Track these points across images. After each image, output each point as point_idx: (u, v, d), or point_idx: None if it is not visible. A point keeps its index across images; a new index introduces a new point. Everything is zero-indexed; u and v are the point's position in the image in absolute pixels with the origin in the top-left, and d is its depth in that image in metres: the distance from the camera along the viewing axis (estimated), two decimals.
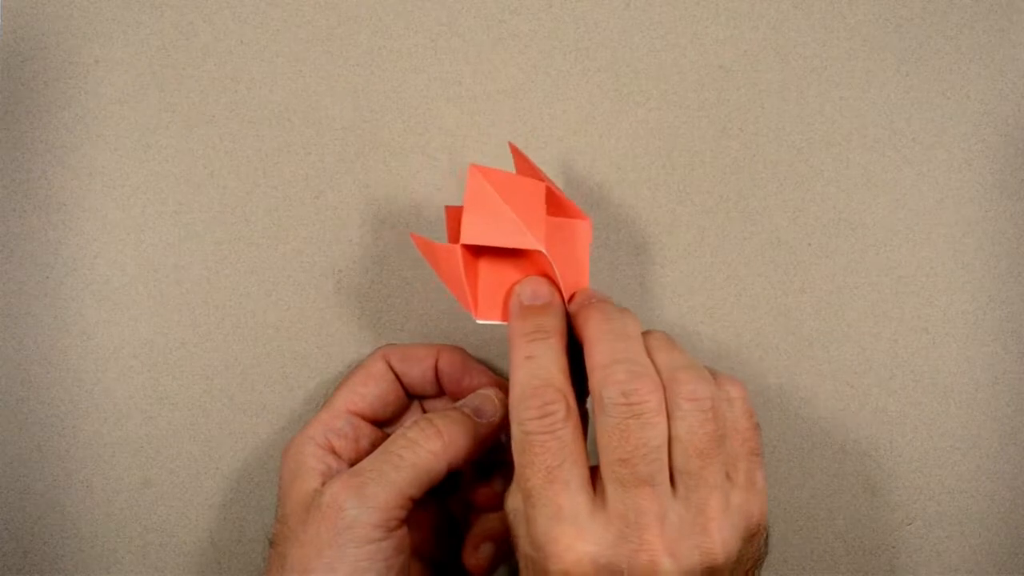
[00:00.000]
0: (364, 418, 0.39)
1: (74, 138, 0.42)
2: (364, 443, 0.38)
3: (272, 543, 0.36)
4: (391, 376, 0.39)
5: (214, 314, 0.42)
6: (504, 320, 0.36)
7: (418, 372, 0.39)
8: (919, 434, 0.43)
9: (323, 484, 0.35)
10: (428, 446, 0.35)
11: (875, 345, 0.43)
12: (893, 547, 0.43)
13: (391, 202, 0.43)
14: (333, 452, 0.37)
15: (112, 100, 0.42)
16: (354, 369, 0.40)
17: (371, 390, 0.39)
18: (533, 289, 0.36)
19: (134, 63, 0.42)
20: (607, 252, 0.43)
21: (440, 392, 0.40)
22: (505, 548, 0.38)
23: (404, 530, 0.35)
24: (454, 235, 0.37)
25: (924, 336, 0.43)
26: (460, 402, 0.38)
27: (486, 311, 0.36)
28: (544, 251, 0.35)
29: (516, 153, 0.37)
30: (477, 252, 0.36)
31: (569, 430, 0.32)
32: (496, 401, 0.37)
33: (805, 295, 0.43)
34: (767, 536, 0.34)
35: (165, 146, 0.42)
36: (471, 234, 0.35)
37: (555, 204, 0.37)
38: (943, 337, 0.43)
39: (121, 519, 0.42)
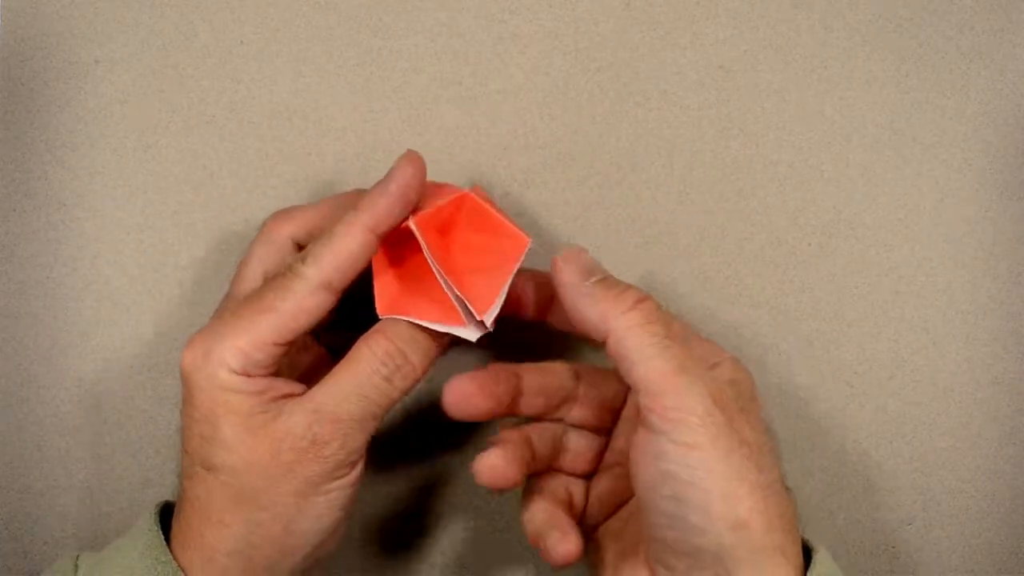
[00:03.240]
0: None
1: (74, 138, 0.42)
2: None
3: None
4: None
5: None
6: (405, 315, 0.36)
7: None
8: (919, 434, 0.43)
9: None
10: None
11: (875, 345, 0.43)
12: (893, 547, 0.43)
13: None
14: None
15: (112, 100, 0.42)
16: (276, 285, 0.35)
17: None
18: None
19: (134, 63, 0.42)
20: (607, 252, 0.43)
21: None
22: None
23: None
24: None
25: (924, 336, 0.43)
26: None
27: (386, 306, 0.36)
28: (415, 230, 0.35)
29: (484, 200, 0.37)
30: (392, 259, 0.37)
31: None
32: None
33: (805, 295, 0.43)
34: None
35: (165, 146, 0.42)
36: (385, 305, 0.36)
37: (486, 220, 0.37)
38: (943, 337, 0.43)
39: (121, 519, 0.42)
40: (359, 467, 0.35)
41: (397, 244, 0.37)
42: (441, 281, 0.35)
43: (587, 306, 0.34)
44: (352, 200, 0.36)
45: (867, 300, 0.43)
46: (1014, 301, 0.43)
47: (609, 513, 0.39)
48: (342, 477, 0.35)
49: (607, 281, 0.35)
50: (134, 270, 0.42)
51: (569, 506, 0.38)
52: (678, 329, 0.34)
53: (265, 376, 0.34)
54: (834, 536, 0.43)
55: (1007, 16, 0.43)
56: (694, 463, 0.32)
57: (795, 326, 0.43)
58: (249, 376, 0.34)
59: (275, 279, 0.35)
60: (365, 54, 0.43)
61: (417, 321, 0.36)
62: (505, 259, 0.36)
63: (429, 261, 0.35)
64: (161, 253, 0.42)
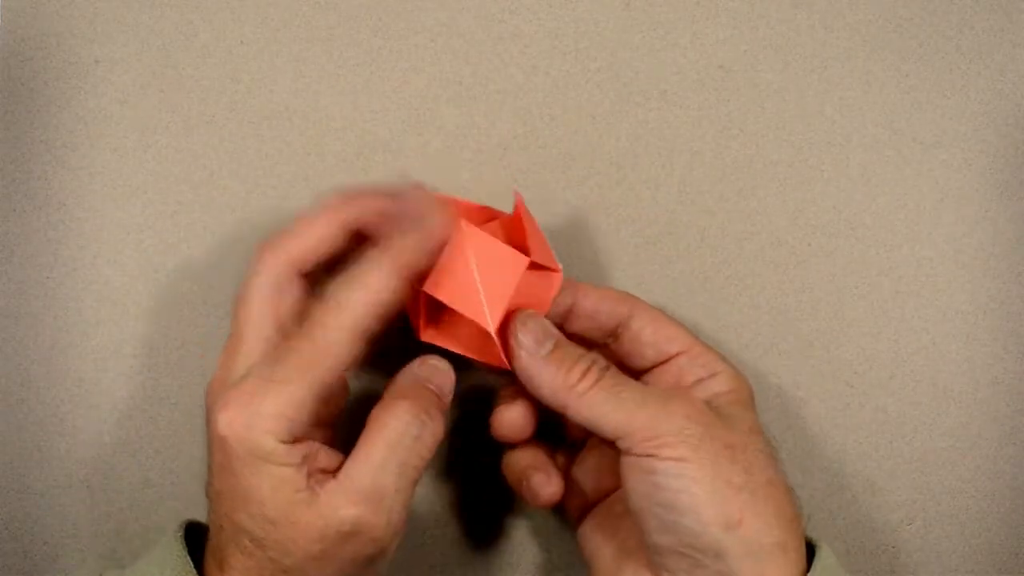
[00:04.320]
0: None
1: (74, 138, 0.42)
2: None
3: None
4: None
5: (214, 314, 0.42)
6: (445, 345, 0.37)
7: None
8: (919, 434, 0.43)
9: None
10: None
11: (875, 345, 0.43)
12: (893, 547, 0.43)
13: None
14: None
15: (112, 100, 0.42)
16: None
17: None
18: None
19: (134, 63, 0.42)
20: (607, 253, 0.43)
21: None
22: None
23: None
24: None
25: (924, 336, 0.43)
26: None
27: (431, 333, 0.37)
28: (494, 335, 0.35)
29: (520, 205, 0.37)
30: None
31: None
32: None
33: (805, 295, 0.43)
34: None
35: (165, 146, 0.43)
36: (434, 288, 0.35)
37: (532, 265, 0.37)
38: (943, 337, 0.43)
39: (121, 519, 0.42)
40: (402, 531, 0.35)
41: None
42: (495, 338, 0.36)
43: (539, 382, 0.35)
44: (345, 210, 0.35)
45: (867, 300, 0.43)
46: (1014, 301, 0.43)
47: (598, 498, 0.39)
48: (388, 549, 0.34)
49: (558, 353, 0.35)
50: (134, 270, 0.42)
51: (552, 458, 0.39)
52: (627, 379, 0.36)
53: (306, 440, 0.33)
54: (834, 536, 0.43)
55: (1007, 16, 0.43)
56: (682, 473, 0.33)
57: (795, 326, 0.43)
58: (293, 443, 0.33)
59: (307, 333, 0.33)
60: (365, 54, 0.43)
61: (460, 353, 0.37)
62: (542, 295, 0.37)
63: (489, 322, 0.35)
64: (161, 253, 0.42)
